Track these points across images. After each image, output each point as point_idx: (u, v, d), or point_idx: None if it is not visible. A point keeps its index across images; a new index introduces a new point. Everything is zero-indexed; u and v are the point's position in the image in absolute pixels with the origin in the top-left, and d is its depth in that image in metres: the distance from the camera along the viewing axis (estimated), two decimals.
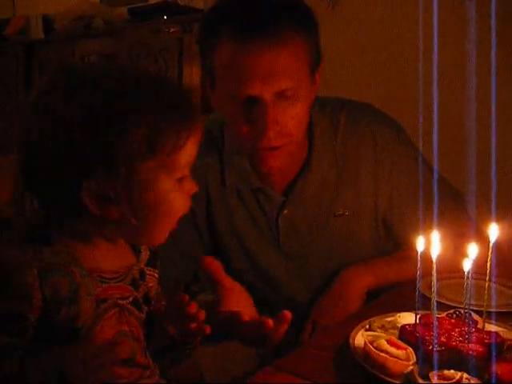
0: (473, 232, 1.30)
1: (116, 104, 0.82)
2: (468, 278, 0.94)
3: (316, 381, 0.89)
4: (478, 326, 1.00)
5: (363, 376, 0.89)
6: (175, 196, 0.88)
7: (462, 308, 1.02)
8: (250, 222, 1.36)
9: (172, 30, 2.68)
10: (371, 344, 0.91)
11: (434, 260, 0.92)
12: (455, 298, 1.21)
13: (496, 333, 0.95)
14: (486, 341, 0.92)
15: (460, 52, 1.78)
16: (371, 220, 1.38)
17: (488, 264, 0.94)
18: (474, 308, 1.12)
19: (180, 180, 0.89)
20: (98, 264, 0.88)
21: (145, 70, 0.91)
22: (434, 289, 0.94)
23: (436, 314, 0.99)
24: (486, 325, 1.04)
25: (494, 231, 0.94)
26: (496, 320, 1.06)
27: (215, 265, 1.08)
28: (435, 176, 1.40)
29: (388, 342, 0.91)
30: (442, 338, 0.92)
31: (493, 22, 1.65)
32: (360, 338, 0.95)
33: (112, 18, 2.99)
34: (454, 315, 1.05)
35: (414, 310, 0.98)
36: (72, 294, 0.82)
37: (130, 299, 0.91)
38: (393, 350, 0.89)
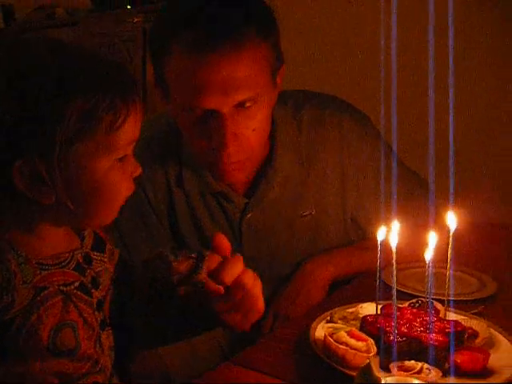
0: (433, 221, 1.29)
1: (49, 80, 0.79)
2: (429, 266, 0.92)
3: (274, 374, 0.87)
4: (440, 315, 1.00)
5: (323, 369, 0.87)
6: (115, 177, 0.84)
7: (424, 297, 1.01)
8: (214, 224, 1.30)
9: (136, 19, 2.62)
10: (331, 336, 0.88)
11: (394, 249, 0.90)
12: (419, 287, 1.20)
13: (456, 321, 0.94)
14: (447, 330, 0.91)
15: (420, 40, 1.78)
16: (338, 217, 1.34)
17: (449, 252, 0.92)
18: (438, 297, 1.11)
19: (121, 161, 0.85)
20: (37, 250, 0.84)
21: (81, 46, 0.87)
22: (394, 278, 0.92)
23: (397, 304, 0.97)
24: (448, 313, 1.03)
25: (452, 219, 0.93)
26: (459, 309, 1.05)
27: (226, 244, 0.97)
28: (400, 168, 1.39)
29: (348, 333, 0.89)
30: (403, 329, 0.90)
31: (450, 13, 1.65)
32: (321, 330, 0.93)
33: (74, 7, 2.91)
34: (417, 304, 1.04)
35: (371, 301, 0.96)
36: (5, 284, 0.79)
37: (76, 284, 0.87)
38: (353, 341, 0.87)
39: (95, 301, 0.89)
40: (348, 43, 2.06)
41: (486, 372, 0.86)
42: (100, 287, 0.91)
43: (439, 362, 0.86)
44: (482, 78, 1.99)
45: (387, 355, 0.87)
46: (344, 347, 0.86)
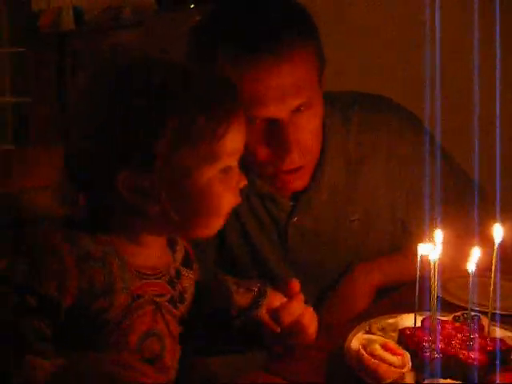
0: (479, 231, 1.24)
1: (151, 95, 0.81)
2: (471, 278, 0.88)
3: None
4: (484, 331, 0.95)
5: (356, 382, 0.86)
6: (219, 188, 0.85)
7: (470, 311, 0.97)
8: (259, 228, 1.30)
9: (197, 18, 2.65)
10: (365, 348, 0.87)
11: (433, 262, 0.87)
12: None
13: (501, 339, 0.89)
14: (489, 348, 0.87)
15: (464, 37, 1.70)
16: (387, 221, 1.31)
17: (493, 266, 0.88)
18: (485, 310, 1.06)
19: (225, 171, 0.86)
20: (138, 259, 0.87)
21: (184, 61, 0.92)
22: (434, 292, 0.89)
23: (439, 317, 0.94)
24: (495, 329, 0.99)
25: (498, 232, 0.88)
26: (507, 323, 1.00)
27: (297, 289, 1.00)
28: (453, 171, 1.34)
29: (383, 346, 0.87)
30: (441, 344, 0.87)
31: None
32: (356, 342, 0.91)
33: (140, 8, 2.99)
34: (461, 318, 1.00)
35: (421, 311, 0.93)
36: (107, 286, 0.81)
37: (168, 297, 0.89)
38: (387, 355, 0.85)
39: (179, 315, 0.92)
40: (392, 40, 1.99)
41: None
42: (185, 303, 0.93)
43: (478, 383, 0.83)
44: None
45: (422, 372, 0.85)
46: (376, 361, 0.84)
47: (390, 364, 0.84)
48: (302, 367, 0.92)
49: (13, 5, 3.58)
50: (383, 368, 0.83)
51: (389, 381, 0.83)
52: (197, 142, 0.82)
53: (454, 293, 1.17)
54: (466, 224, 1.32)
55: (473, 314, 0.97)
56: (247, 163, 1.21)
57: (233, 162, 0.88)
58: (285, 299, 0.99)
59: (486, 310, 1.06)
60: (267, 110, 1.09)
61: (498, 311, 0.97)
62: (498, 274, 0.94)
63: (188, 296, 0.95)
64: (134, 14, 2.97)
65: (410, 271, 1.26)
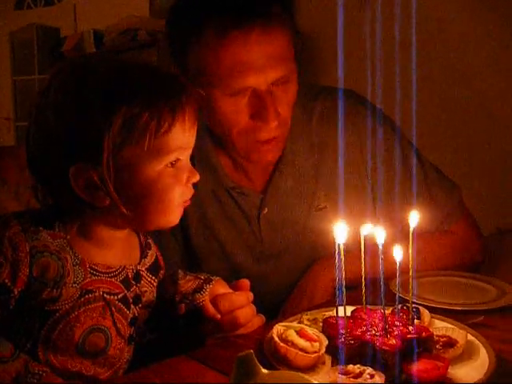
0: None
1: (98, 92, 0.84)
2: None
3: (220, 369, 0.86)
4: (425, 323, 0.93)
5: (270, 368, 0.84)
6: (166, 182, 0.87)
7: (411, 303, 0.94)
8: (227, 223, 1.31)
9: None
10: (280, 335, 0.86)
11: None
12: (428, 296, 1.13)
13: (423, 327, 0.86)
14: (409, 336, 0.84)
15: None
16: (355, 210, 1.29)
17: (410, 254, 0.85)
18: (426, 303, 1.04)
19: (174, 166, 0.88)
20: (93, 256, 0.90)
21: (131, 58, 0.92)
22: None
23: (370, 308, 0.92)
24: (437, 322, 0.96)
25: (413, 217, 0.86)
26: (458, 318, 0.97)
27: (246, 286, 1.03)
28: (422, 165, 1.32)
29: (298, 333, 0.85)
30: (359, 332, 0.85)
31: None
32: (274, 329, 0.90)
33: (155, 29, 3.10)
34: (399, 309, 0.97)
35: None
36: (58, 278, 0.85)
37: (119, 296, 0.92)
38: (300, 341, 0.83)
39: (130, 316, 0.94)
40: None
41: (443, 382, 0.78)
42: (139, 305, 0.96)
43: (390, 368, 0.80)
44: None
45: (337, 358, 0.83)
46: (285, 346, 0.82)
47: (301, 350, 0.82)
48: (225, 354, 0.91)
49: (43, 33, 3.77)
50: (292, 353, 0.82)
51: (300, 366, 0.81)
52: (139, 138, 0.84)
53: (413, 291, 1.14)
54: (432, 219, 1.29)
55: (414, 306, 0.96)
56: (223, 137, 1.22)
57: (182, 155, 0.89)
58: (230, 290, 1.01)
59: (430, 304, 1.05)
60: (250, 81, 1.11)
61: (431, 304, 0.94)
62: None
63: (146, 301, 0.97)
64: (149, 34, 3.09)
65: (373, 269, 1.25)
